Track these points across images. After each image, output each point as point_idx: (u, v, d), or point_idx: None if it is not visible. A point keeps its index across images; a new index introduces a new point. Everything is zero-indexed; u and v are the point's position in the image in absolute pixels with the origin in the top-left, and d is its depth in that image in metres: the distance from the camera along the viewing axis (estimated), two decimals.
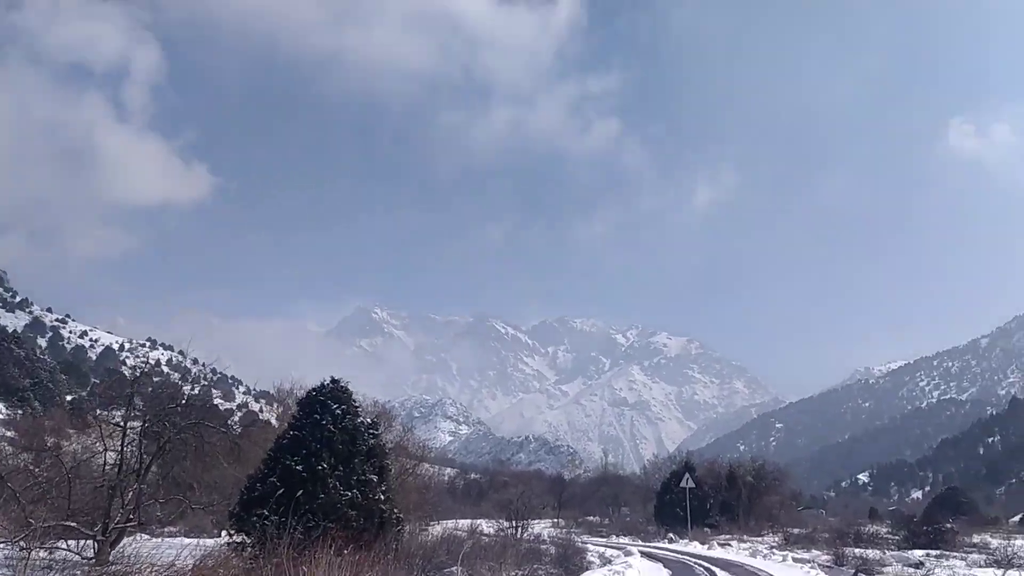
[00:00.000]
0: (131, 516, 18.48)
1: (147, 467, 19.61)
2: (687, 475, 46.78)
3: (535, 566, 17.22)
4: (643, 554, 27.97)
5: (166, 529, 22.37)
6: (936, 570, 19.21)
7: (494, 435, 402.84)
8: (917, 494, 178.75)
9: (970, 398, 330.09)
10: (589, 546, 30.33)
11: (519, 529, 28.33)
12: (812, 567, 22.68)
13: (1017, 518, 74.85)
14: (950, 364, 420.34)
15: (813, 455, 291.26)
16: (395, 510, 17.46)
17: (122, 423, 19.17)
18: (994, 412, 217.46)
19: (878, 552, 25.67)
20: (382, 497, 16.69)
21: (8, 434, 55.00)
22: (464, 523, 39.35)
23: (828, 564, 23.29)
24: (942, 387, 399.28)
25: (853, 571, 20.08)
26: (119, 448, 19.10)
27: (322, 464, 16.02)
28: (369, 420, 18.00)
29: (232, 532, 15.84)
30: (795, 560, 25.91)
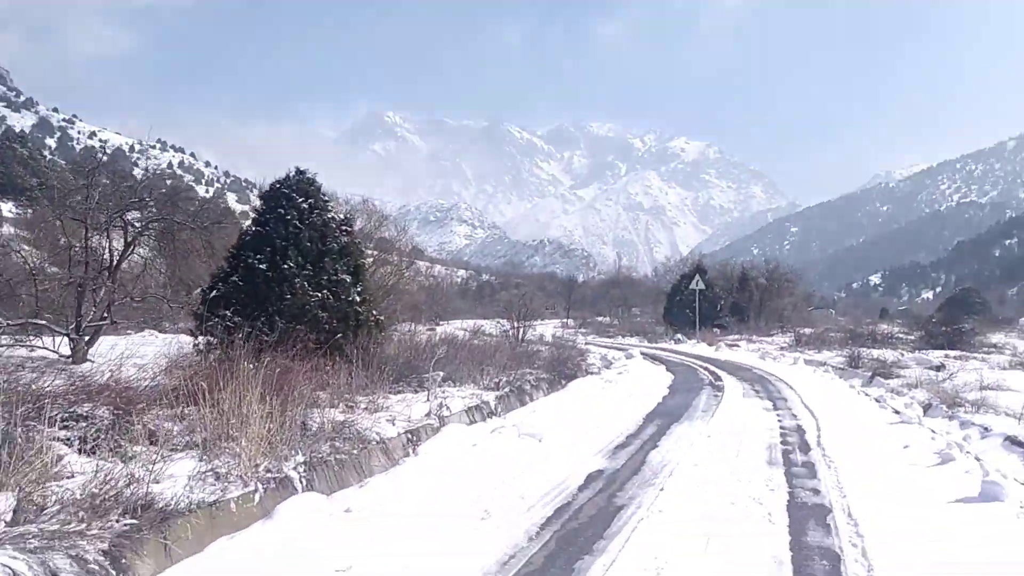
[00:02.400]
0: (104, 314, 17.51)
1: (117, 264, 18.34)
2: (697, 276, 45.67)
3: (525, 370, 15.98)
4: (646, 356, 27.16)
5: (145, 329, 21.43)
6: (959, 372, 17.89)
7: (509, 239, 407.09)
8: (928, 295, 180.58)
9: (990, 201, 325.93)
10: (592, 348, 29.58)
11: (520, 330, 27.38)
12: (825, 369, 21.62)
13: None
14: (973, 167, 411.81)
15: (827, 258, 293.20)
16: (374, 312, 16.03)
17: (82, 218, 17.65)
18: (1013, 215, 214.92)
19: (893, 353, 24.52)
20: (357, 298, 15.16)
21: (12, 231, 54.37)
22: (468, 323, 38.92)
23: (841, 366, 22.15)
24: (963, 190, 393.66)
25: (870, 374, 18.86)
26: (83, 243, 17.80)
27: (288, 263, 14.34)
28: (341, 216, 16.09)
29: (196, 333, 14.52)
30: (807, 362, 24.90)
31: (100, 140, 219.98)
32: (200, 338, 14.70)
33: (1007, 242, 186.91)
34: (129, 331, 21.20)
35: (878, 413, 13.63)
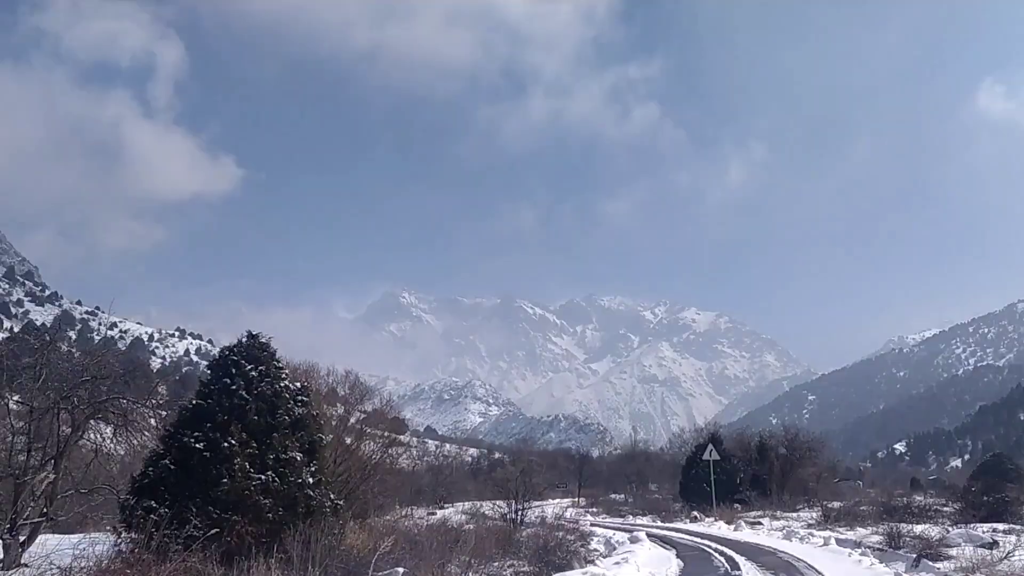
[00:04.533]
0: (44, 511, 15.53)
1: (60, 453, 16.57)
2: (711, 446, 42.95)
3: (506, 562, 13.65)
4: (656, 539, 24.31)
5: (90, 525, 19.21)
6: (1016, 551, 15.37)
7: (524, 415, 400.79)
8: (956, 462, 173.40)
9: (1007, 364, 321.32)
10: (598, 530, 26.74)
11: (519, 512, 24.82)
12: (862, 552, 18.60)
13: None
14: (986, 330, 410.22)
15: (848, 427, 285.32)
16: (331, 496, 14.00)
17: (28, 403, 16.12)
18: None
19: (935, 528, 21.73)
20: (310, 480, 13.22)
21: None
22: (478, 505, 36.05)
23: (880, 546, 19.37)
24: (978, 354, 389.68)
25: (915, 555, 16.24)
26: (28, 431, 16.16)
27: (229, 440, 12.57)
28: (298, 384, 14.46)
29: (120, 529, 12.49)
30: (839, 542, 21.93)
31: (121, 331, 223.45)
32: (124, 536, 12.70)
33: None
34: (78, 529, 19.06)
35: None
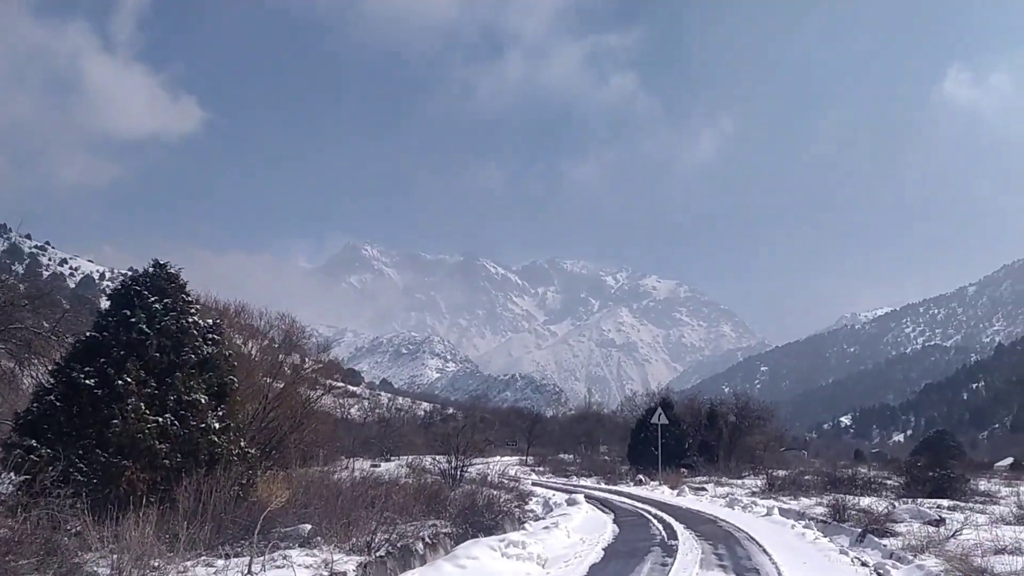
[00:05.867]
0: None
1: None
2: (659, 410, 42.53)
3: (429, 521, 12.65)
4: (595, 502, 23.62)
5: None
6: (963, 529, 14.82)
7: (481, 373, 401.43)
8: (899, 437, 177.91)
9: (955, 345, 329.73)
10: (539, 489, 25.99)
11: (458, 469, 23.94)
12: (806, 524, 17.96)
13: (1006, 462, 71.70)
14: (936, 311, 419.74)
15: (797, 398, 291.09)
16: (241, 444, 12.80)
17: None
18: (979, 359, 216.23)
19: (880, 501, 21.28)
20: (216, 425, 11.99)
21: None
22: (424, 460, 35.05)
23: (823, 518, 18.80)
24: (927, 334, 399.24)
25: (860, 530, 15.62)
26: None
27: (124, 377, 11.26)
28: (209, 321, 13.12)
29: None
30: (782, 512, 21.38)
31: (71, 268, 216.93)
32: (2, 476, 11.40)
33: (974, 386, 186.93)
34: None
35: None
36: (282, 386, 21.23)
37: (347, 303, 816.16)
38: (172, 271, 12.66)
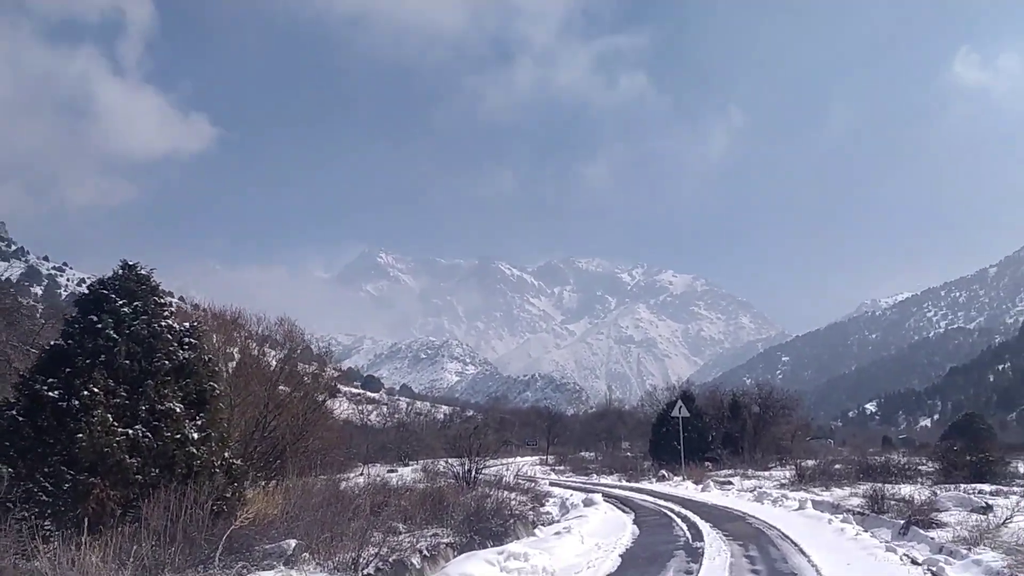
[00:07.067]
0: None
1: None
2: (680, 403, 41.31)
3: (431, 530, 11.63)
4: (615, 500, 22.50)
5: None
6: (1017, 515, 13.60)
7: (501, 374, 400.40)
8: (926, 422, 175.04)
9: (978, 327, 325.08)
10: (556, 490, 24.90)
11: (472, 471, 22.94)
12: (843, 518, 16.55)
13: None
14: (957, 294, 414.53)
15: (820, 387, 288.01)
16: (225, 455, 11.83)
17: None
18: (1003, 340, 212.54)
19: (920, 490, 20.00)
20: (194, 435, 11.03)
21: None
22: (441, 464, 34.07)
23: (860, 510, 17.56)
24: (949, 317, 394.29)
25: (902, 521, 14.41)
26: None
27: (90, 387, 10.33)
28: (186, 325, 12.15)
29: None
30: (815, 505, 20.09)
31: (88, 287, 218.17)
32: None
33: (1000, 367, 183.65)
34: None
35: None
36: (286, 391, 20.33)
37: (364, 311, 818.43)
38: (142, 272, 11.73)
